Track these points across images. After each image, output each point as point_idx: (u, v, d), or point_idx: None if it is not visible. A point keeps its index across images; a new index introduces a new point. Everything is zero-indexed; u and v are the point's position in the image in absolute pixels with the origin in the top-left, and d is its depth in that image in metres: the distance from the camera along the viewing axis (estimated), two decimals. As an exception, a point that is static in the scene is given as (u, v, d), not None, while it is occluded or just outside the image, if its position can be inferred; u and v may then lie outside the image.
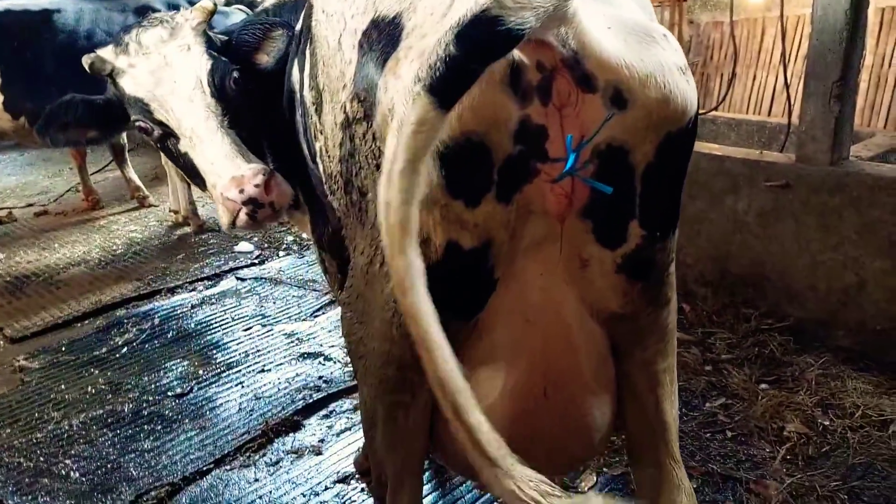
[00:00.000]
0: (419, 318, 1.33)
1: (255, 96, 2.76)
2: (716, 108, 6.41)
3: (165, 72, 2.67)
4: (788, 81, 4.95)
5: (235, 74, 2.70)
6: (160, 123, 2.72)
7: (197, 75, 2.66)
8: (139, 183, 7.55)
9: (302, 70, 2.17)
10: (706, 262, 4.74)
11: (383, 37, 1.65)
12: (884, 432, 3.55)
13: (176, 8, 5.29)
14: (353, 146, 1.76)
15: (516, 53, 1.45)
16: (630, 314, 1.81)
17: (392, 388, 1.89)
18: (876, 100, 7.06)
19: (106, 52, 2.76)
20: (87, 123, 2.87)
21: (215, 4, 2.80)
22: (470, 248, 1.62)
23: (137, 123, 2.77)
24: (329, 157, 1.94)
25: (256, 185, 2.51)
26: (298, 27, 2.36)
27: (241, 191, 2.51)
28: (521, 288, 1.73)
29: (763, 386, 3.95)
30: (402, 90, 1.51)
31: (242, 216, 2.56)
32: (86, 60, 2.75)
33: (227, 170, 2.56)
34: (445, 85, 1.29)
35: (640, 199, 1.65)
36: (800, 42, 7.03)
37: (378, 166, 1.66)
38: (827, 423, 3.63)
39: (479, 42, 1.28)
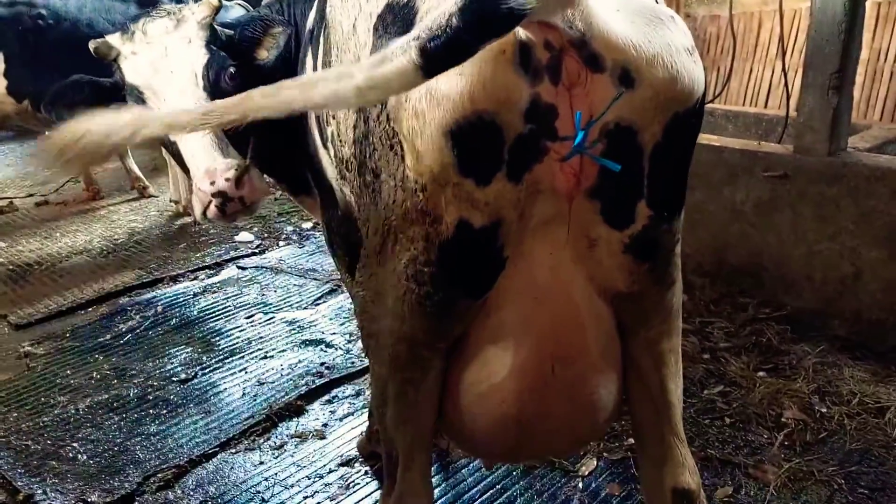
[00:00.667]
0: None
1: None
2: (713, 101, 6.44)
3: (163, 62, 2.73)
4: (786, 72, 4.99)
5: (231, 70, 2.76)
6: None
7: (192, 68, 2.72)
8: (139, 173, 7.56)
9: (316, 57, 2.20)
10: (704, 252, 4.77)
11: (398, 20, 1.69)
12: (880, 419, 3.60)
13: (179, -1, 5.33)
14: (367, 128, 1.79)
15: (523, 33, 1.48)
16: (636, 294, 1.84)
17: (403, 364, 1.92)
18: (872, 94, 7.09)
19: (113, 39, 2.82)
20: (94, 104, 2.92)
21: (220, 0, 2.85)
22: (480, 227, 1.65)
23: None
24: (342, 140, 1.97)
25: (227, 179, 2.58)
26: (312, 15, 2.40)
27: (212, 183, 2.59)
28: (530, 267, 1.76)
29: (761, 374, 3.98)
30: None
31: (212, 208, 2.64)
32: (92, 45, 2.81)
33: (204, 162, 2.63)
34: (437, 53, 1.32)
35: (648, 180, 1.67)
36: (797, 36, 7.05)
37: (392, 147, 1.70)
38: (824, 409, 3.67)
39: (480, 16, 1.30)
